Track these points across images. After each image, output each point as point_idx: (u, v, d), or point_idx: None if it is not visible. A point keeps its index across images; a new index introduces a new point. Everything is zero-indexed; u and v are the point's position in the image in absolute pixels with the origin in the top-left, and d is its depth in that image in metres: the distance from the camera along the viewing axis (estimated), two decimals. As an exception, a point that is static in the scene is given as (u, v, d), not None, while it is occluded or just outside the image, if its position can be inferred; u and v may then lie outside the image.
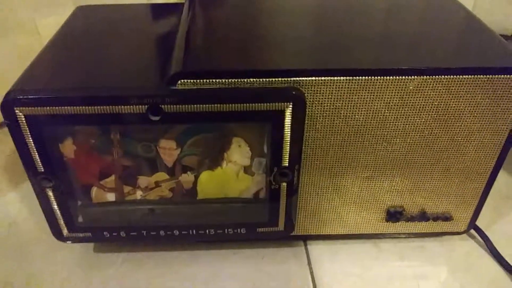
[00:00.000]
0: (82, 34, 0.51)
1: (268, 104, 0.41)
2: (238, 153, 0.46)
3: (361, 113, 0.43)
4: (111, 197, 0.50)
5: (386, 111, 0.43)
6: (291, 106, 0.41)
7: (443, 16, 0.52)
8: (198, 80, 0.40)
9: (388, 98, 0.42)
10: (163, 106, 0.41)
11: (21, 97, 0.40)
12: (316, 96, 0.42)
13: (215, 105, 0.41)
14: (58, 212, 0.48)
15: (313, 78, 0.41)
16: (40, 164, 0.44)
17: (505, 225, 0.59)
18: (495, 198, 0.62)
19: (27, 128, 0.41)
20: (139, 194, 0.50)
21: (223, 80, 0.41)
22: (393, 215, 0.52)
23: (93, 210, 0.50)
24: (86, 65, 0.45)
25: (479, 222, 0.55)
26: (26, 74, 0.44)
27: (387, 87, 0.41)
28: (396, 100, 0.42)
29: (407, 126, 0.44)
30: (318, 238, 0.55)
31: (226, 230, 0.50)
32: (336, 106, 0.42)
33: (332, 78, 0.41)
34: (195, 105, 0.41)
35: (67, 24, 0.54)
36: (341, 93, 0.42)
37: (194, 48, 0.44)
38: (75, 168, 0.47)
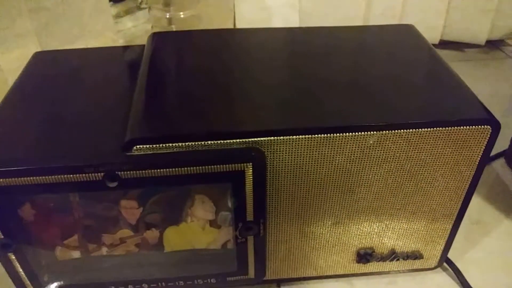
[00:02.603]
0: (37, 90, 0.49)
1: (228, 165, 0.40)
2: (202, 209, 0.46)
3: (323, 168, 0.43)
4: (76, 254, 0.49)
5: (348, 164, 0.43)
6: (251, 166, 0.41)
7: (406, 59, 0.51)
8: (154, 145, 0.40)
9: (349, 152, 0.42)
10: (119, 173, 0.40)
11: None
12: (277, 154, 0.41)
13: (173, 169, 0.40)
14: (22, 273, 0.47)
15: (272, 138, 0.40)
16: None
17: (477, 253, 0.59)
18: (465, 223, 0.62)
19: (-19, 199, 0.40)
20: (104, 250, 0.49)
21: (180, 144, 0.40)
22: (363, 257, 0.51)
23: (58, 268, 0.49)
24: (38, 130, 0.43)
25: (451, 252, 0.55)
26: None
27: (347, 143, 0.41)
28: (357, 154, 0.42)
29: (370, 176, 0.44)
30: (291, 280, 0.55)
31: (195, 281, 0.50)
32: (297, 162, 0.42)
33: (291, 137, 0.40)
34: (153, 170, 0.40)
35: (23, 75, 0.53)
36: (301, 150, 0.41)
37: (150, 109, 0.43)
38: (36, 231, 0.46)
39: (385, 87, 0.46)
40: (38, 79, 0.52)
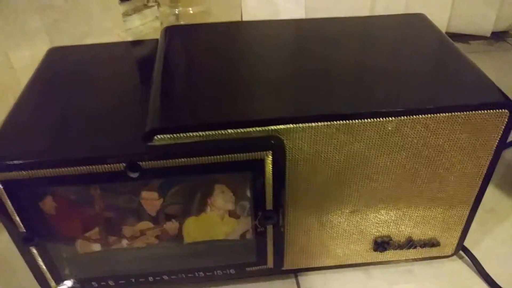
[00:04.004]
0: (54, 84, 0.50)
1: (247, 154, 0.40)
2: (222, 199, 0.46)
3: (341, 155, 0.43)
4: (96, 247, 0.49)
5: (366, 151, 0.43)
6: (270, 154, 0.41)
7: (419, 46, 0.51)
8: (174, 135, 0.40)
9: (367, 139, 0.42)
10: (141, 163, 0.40)
11: (-5, 164, 0.39)
12: (296, 141, 0.41)
13: (194, 158, 0.40)
14: (43, 267, 0.47)
15: (291, 125, 0.40)
16: (21, 224, 0.43)
17: (491, 241, 0.59)
18: (479, 212, 0.62)
19: (5, 193, 0.41)
20: (125, 243, 0.49)
21: (201, 133, 0.40)
22: (381, 245, 0.52)
23: (79, 261, 0.49)
24: (58, 123, 0.44)
25: (466, 241, 0.55)
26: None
27: (366, 129, 0.41)
28: (375, 141, 0.42)
29: (388, 163, 0.44)
30: (308, 270, 0.55)
31: (215, 272, 0.50)
32: (316, 149, 0.42)
33: (310, 124, 0.40)
34: (174, 160, 0.40)
35: (39, 70, 0.53)
36: (320, 137, 0.41)
37: (169, 100, 0.43)
38: (57, 224, 0.46)
39: (401, 74, 0.46)
40: (55, 74, 0.52)
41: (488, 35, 1.05)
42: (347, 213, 0.48)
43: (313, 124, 0.40)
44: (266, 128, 0.40)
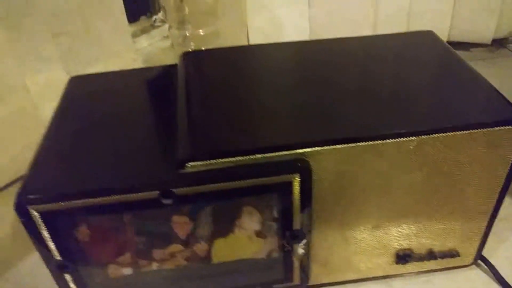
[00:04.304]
0: (81, 114, 0.51)
1: (276, 177, 0.42)
2: (249, 220, 0.48)
3: (365, 173, 0.45)
4: (127, 271, 0.50)
5: (389, 169, 0.44)
6: (298, 176, 0.42)
7: (432, 64, 0.53)
8: (206, 162, 0.41)
9: (390, 158, 0.44)
10: (174, 190, 0.41)
11: (33, 196, 0.41)
12: (321, 163, 0.43)
13: (225, 183, 0.42)
14: (76, 292, 0.49)
15: (317, 148, 0.42)
16: (57, 252, 0.45)
17: (508, 250, 0.61)
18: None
19: (42, 224, 0.42)
20: (154, 265, 0.50)
21: (231, 159, 0.42)
22: (402, 258, 0.53)
23: (110, 285, 0.50)
24: (91, 153, 0.45)
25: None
26: (32, 169, 0.44)
27: (389, 149, 0.43)
28: (398, 159, 0.44)
29: (410, 179, 0.46)
30: (330, 285, 0.57)
31: (242, 290, 0.52)
32: (340, 169, 0.44)
33: (335, 146, 0.42)
34: (205, 186, 0.42)
35: (64, 100, 0.55)
36: (345, 158, 0.43)
37: (197, 127, 0.45)
38: (90, 250, 0.47)
39: (418, 94, 0.48)
40: (80, 103, 0.54)
41: (489, 42, 1.07)
42: (370, 228, 0.50)
43: (338, 146, 0.42)
44: (294, 152, 0.42)
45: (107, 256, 0.48)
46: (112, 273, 0.50)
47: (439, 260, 0.54)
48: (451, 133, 0.43)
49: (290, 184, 0.43)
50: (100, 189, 0.41)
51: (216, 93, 0.50)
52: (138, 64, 0.91)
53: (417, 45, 0.58)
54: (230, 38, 0.91)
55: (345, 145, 0.42)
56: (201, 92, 0.51)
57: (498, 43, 1.12)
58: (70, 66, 0.81)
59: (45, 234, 0.43)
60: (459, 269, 0.58)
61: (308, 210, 0.46)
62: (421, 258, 0.54)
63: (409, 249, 0.53)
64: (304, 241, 0.48)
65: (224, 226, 0.48)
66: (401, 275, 0.57)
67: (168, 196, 0.42)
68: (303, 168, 0.42)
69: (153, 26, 1.02)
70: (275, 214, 0.47)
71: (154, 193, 0.42)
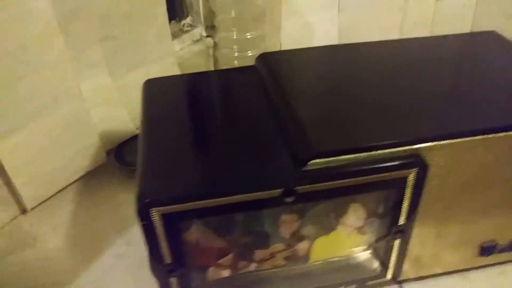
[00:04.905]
0: (172, 117, 0.51)
1: (394, 173, 0.43)
2: (354, 217, 0.48)
3: (472, 167, 0.46)
4: (225, 273, 0.50)
5: (495, 162, 0.46)
6: (414, 172, 0.43)
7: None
8: (328, 159, 0.42)
9: (498, 151, 0.45)
10: (297, 188, 0.42)
11: (156, 199, 0.40)
12: (433, 158, 0.44)
13: (345, 180, 0.42)
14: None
15: (432, 143, 0.43)
16: (169, 255, 0.44)
17: None
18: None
19: (161, 226, 0.41)
20: (253, 267, 0.50)
21: (349, 157, 0.42)
22: (487, 250, 0.55)
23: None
24: (200, 154, 0.45)
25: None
26: (144, 173, 0.43)
27: (498, 142, 0.44)
28: (505, 152, 0.45)
29: (508, 172, 0.47)
30: (414, 280, 0.57)
31: (338, 288, 0.52)
32: (449, 164, 0.45)
33: (449, 141, 0.43)
34: (326, 183, 0.42)
35: (148, 103, 0.54)
36: (455, 153, 0.44)
37: (313, 126, 0.45)
38: (196, 253, 0.47)
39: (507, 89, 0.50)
40: (166, 105, 0.53)
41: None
42: (462, 222, 0.51)
43: (452, 141, 0.43)
44: (410, 147, 0.43)
45: (209, 258, 0.48)
46: (211, 275, 0.49)
47: (518, 251, 0.56)
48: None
49: (405, 180, 0.44)
50: (222, 190, 0.41)
51: (314, 91, 0.51)
52: (176, 68, 0.91)
53: (485, 45, 0.60)
54: (267, 43, 0.92)
55: (459, 140, 0.43)
56: (298, 91, 0.51)
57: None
58: (114, 72, 0.80)
59: (162, 237, 0.42)
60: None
61: (416, 205, 0.46)
62: (503, 249, 0.56)
63: (493, 241, 0.54)
64: (406, 236, 0.49)
65: (328, 224, 0.48)
66: (481, 267, 0.58)
67: (290, 195, 0.42)
68: (420, 163, 0.43)
69: (182, 31, 1.02)
70: (381, 210, 0.48)
71: (276, 192, 0.41)
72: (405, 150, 0.43)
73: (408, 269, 0.55)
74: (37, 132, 0.67)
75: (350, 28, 1.03)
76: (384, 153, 0.43)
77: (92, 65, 0.76)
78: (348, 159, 0.42)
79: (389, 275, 0.52)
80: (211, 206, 0.41)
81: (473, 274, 0.59)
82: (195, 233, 0.45)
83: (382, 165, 0.43)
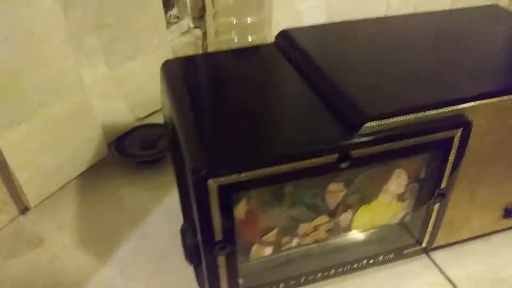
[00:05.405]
0: (204, 93, 0.49)
1: (443, 133, 0.43)
2: (396, 183, 0.48)
3: (506, 128, 0.47)
4: (268, 251, 0.49)
5: (529, 121, 0.47)
6: (460, 132, 0.44)
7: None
8: (381, 122, 0.42)
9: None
10: (352, 152, 0.41)
11: (213, 170, 0.38)
12: (476, 118, 0.45)
13: (396, 143, 0.42)
14: (224, 277, 0.46)
15: (476, 102, 0.44)
16: (220, 232, 0.42)
17: None
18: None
19: (217, 199, 0.40)
20: (295, 242, 0.49)
21: (402, 118, 0.42)
22: (510, 212, 0.56)
23: (250, 268, 0.48)
24: (245, 126, 0.44)
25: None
26: (193, 148, 0.41)
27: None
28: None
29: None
30: (443, 247, 0.58)
31: (377, 258, 0.52)
32: (489, 124, 0.46)
33: (492, 100, 0.44)
34: (379, 146, 0.42)
35: (173, 84, 0.51)
36: (497, 112, 0.45)
37: (357, 93, 0.45)
38: (243, 229, 0.45)
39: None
40: (194, 84, 0.51)
41: None
42: (492, 185, 0.53)
43: (495, 99, 0.44)
44: (456, 107, 0.44)
45: (255, 234, 0.47)
46: (254, 254, 0.48)
47: (539, 211, 0.58)
48: None
49: (451, 140, 0.44)
50: (278, 158, 0.40)
51: (348, 62, 0.51)
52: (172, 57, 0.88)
53: (491, 18, 0.62)
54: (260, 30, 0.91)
55: (500, 98, 0.44)
56: (331, 63, 0.50)
57: None
58: (110, 60, 0.77)
59: (216, 211, 0.41)
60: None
61: (457, 167, 0.47)
62: (525, 211, 0.58)
63: (517, 203, 0.56)
64: (445, 200, 0.49)
65: (372, 192, 0.48)
66: (504, 229, 0.60)
67: (346, 159, 0.41)
68: (464, 123, 0.44)
69: (169, 23, 0.99)
70: (423, 174, 0.48)
71: (333, 157, 0.41)
72: (450, 111, 0.44)
73: (441, 235, 0.55)
74: (40, 125, 0.63)
75: (338, 16, 1.05)
76: (431, 114, 0.43)
77: (89, 54, 0.73)
78: (399, 121, 0.42)
79: (424, 243, 0.53)
80: (267, 175, 0.40)
81: (495, 237, 0.61)
82: (245, 207, 0.43)
83: (431, 126, 0.43)
